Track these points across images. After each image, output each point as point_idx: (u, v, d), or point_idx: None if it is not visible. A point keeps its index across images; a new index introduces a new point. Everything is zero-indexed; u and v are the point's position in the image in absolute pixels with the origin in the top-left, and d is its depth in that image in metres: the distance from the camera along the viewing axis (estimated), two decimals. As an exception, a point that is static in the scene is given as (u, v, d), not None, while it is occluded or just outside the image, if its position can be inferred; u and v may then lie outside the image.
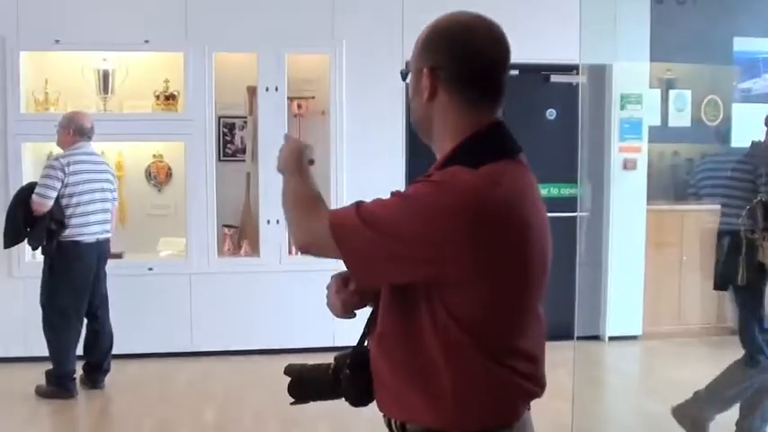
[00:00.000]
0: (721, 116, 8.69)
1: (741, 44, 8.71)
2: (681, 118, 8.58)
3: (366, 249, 2.03)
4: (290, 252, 7.25)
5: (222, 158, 7.44)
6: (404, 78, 2.30)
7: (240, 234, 7.43)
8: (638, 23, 7.82)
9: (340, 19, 7.28)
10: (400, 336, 2.09)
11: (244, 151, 7.46)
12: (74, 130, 6.17)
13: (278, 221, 7.11)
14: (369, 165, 7.29)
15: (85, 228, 6.14)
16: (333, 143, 7.28)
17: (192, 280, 7.17)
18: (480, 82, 2.10)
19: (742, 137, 8.57)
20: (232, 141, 7.50)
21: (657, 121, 8.36)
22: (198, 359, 7.17)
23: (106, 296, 6.43)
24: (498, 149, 2.09)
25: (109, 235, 6.38)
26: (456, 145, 2.07)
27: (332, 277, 2.28)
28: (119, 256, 7.10)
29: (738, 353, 7.54)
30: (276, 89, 7.12)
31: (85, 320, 6.35)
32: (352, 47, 7.29)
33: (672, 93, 8.55)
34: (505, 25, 2.21)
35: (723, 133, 8.55)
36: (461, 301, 1.99)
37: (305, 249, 2.17)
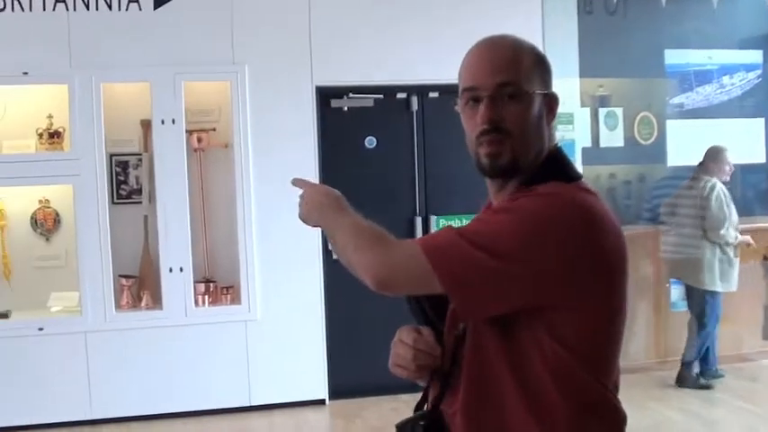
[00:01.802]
0: (655, 134, 8.16)
1: (672, 57, 8.22)
2: (613, 137, 8.02)
3: (469, 271, 1.85)
4: (196, 303, 6.55)
5: (116, 201, 6.69)
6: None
7: (140, 285, 6.68)
8: (566, 37, 7.26)
9: (241, 42, 6.61)
10: (500, 380, 1.94)
11: (140, 192, 6.72)
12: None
13: (181, 269, 6.44)
14: (278, 201, 6.54)
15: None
16: (238, 179, 6.59)
17: (89, 338, 6.40)
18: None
19: (677, 155, 8.08)
20: (126, 182, 6.75)
21: (588, 142, 7.80)
22: (98, 428, 6.37)
23: None
24: (572, 172, 2.05)
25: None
26: (537, 166, 2.01)
27: (399, 330, 2.09)
28: (4, 315, 6.38)
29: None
30: (173, 122, 6.43)
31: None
32: (256, 72, 6.62)
33: (602, 111, 7.98)
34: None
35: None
36: (572, 326, 1.89)
37: (386, 284, 1.94)
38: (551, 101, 2.05)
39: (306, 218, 2.21)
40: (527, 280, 1.84)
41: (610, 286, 1.92)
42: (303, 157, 6.69)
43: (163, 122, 6.42)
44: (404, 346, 2.06)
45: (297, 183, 2.28)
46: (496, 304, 1.89)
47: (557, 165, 2.02)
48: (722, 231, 6.88)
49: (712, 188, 6.97)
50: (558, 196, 1.91)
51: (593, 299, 1.88)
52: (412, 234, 6.95)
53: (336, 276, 6.73)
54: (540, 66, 2.05)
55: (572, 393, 1.89)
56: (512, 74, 1.98)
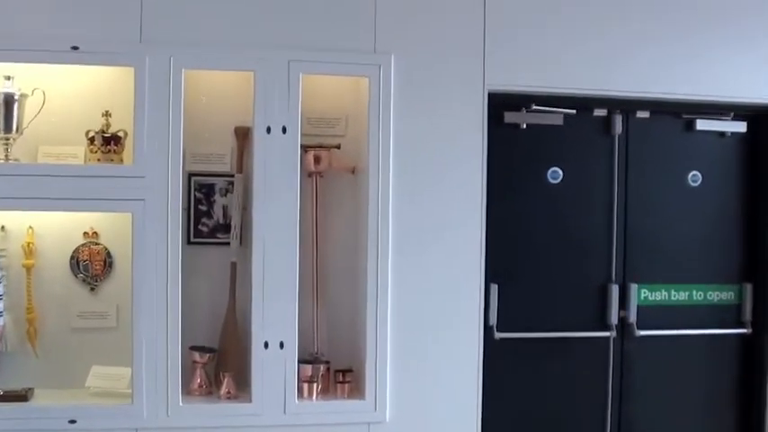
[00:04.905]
0: None
1: None
2: None
3: None
4: (300, 394, 4.60)
5: (193, 240, 4.81)
6: None
7: (219, 363, 4.75)
8: None
9: (386, 23, 4.67)
10: None
11: (227, 229, 4.82)
12: None
13: (281, 344, 4.52)
14: (425, 253, 4.74)
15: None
16: (370, 216, 4.64)
17: (142, 440, 4.45)
18: None
19: None
20: (209, 213, 4.85)
21: None
22: None
23: None
24: None
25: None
26: None
27: None
28: (23, 397, 4.45)
29: None
30: (284, 130, 4.51)
31: None
32: (405, 66, 4.67)
33: None
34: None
35: None
36: None
37: None
38: None
39: None
40: None
41: None
42: (465, 192, 4.75)
43: (269, 131, 4.50)
44: None
45: None
46: None
47: None
48: None
49: None
50: None
51: None
52: (603, 307, 5.06)
53: (501, 363, 4.88)
54: None
55: None
56: None
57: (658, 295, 5.11)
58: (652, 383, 5.12)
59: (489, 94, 4.73)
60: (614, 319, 5.04)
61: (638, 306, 5.06)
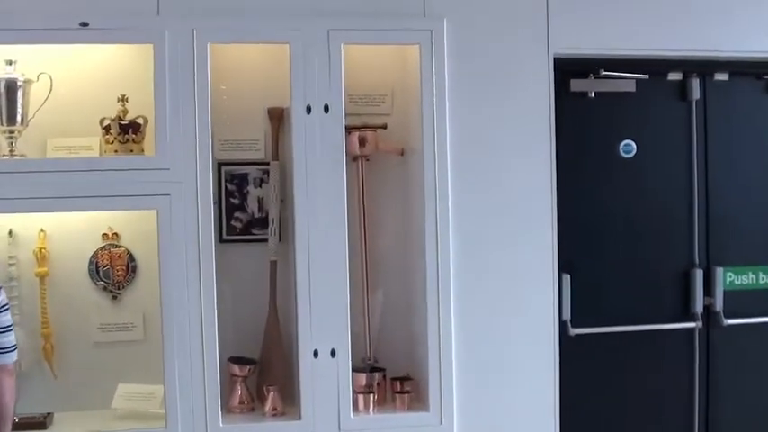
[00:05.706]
0: None
1: None
2: None
3: None
4: (355, 407, 4.11)
5: (226, 237, 4.34)
6: None
7: (263, 376, 4.28)
8: None
9: (436, -15, 4.19)
10: None
11: (264, 224, 4.34)
12: None
13: (333, 352, 4.04)
14: (490, 244, 4.25)
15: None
16: (427, 203, 4.14)
17: (178, 466, 3.99)
18: None
19: None
20: (243, 207, 4.38)
21: None
22: None
23: None
24: None
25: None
26: None
27: None
28: (41, 424, 4.00)
29: None
30: (325, 109, 4.01)
31: None
32: (459, 32, 4.17)
33: None
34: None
35: None
36: None
37: None
38: None
39: None
40: None
41: None
42: (532, 171, 4.27)
43: (309, 110, 4.00)
44: None
45: None
46: None
47: None
48: None
49: None
50: None
51: None
52: (686, 295, 4.58)
53: (578, 363, 4.38)
54: None
55: None
56: None
57: (745, 279, 4.63)
58: (742, 377, 4.65)
59: (555, 60, 4.22)
60: (699, 308, 4.57)
61: (724, 292, 4.57)
